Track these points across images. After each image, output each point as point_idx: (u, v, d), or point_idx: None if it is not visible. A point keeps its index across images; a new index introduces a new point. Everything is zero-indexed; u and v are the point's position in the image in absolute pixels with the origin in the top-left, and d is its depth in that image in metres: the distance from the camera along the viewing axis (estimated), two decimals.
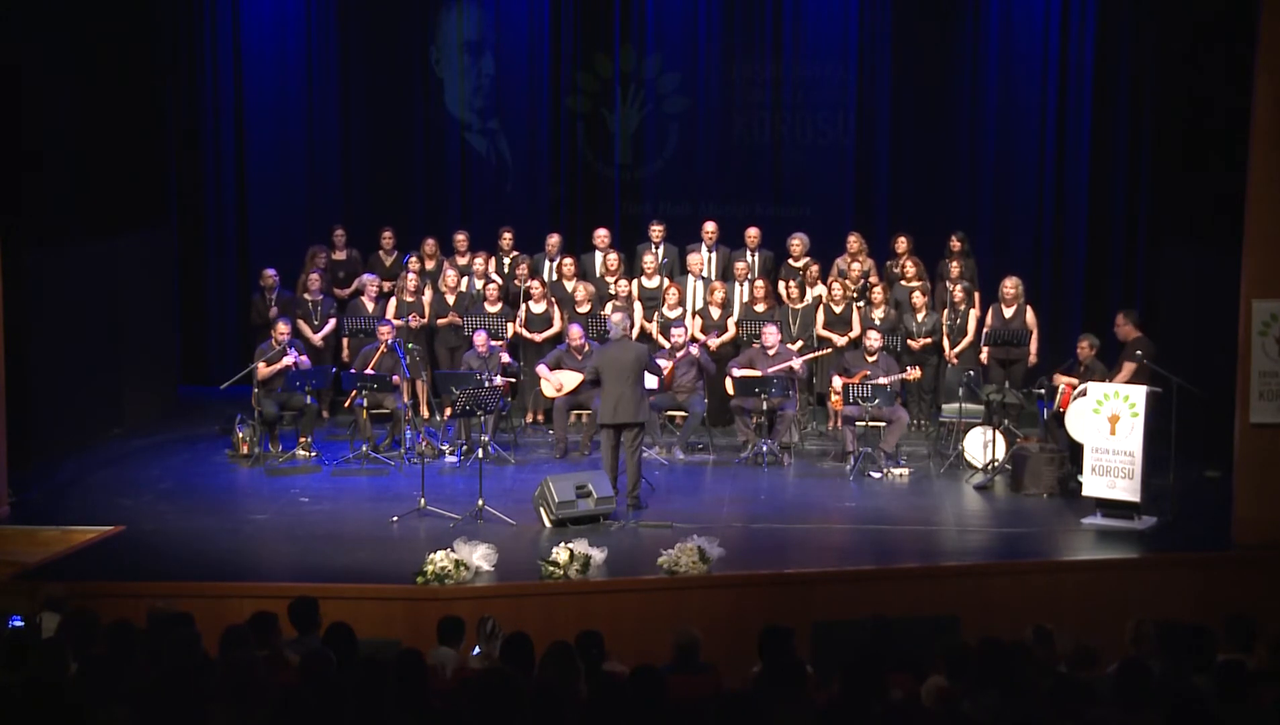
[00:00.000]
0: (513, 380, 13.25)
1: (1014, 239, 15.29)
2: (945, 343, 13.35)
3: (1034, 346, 13.09)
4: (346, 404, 12.73)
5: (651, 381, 12.17)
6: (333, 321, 14.01)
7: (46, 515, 11.00)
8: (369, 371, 12.63)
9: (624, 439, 11.13)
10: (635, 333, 13.34)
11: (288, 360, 12.67)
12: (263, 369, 12.70)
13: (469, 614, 8.62)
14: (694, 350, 12.69)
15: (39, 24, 12.58)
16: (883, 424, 12.52)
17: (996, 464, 12.00)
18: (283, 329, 12.81)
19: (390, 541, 10.44)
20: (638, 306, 13.75)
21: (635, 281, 13.99)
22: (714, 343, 13.17)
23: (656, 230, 14.51)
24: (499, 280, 13.97)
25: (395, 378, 12.53)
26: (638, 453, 11.21)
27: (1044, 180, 15.23)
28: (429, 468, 11.53)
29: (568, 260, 14.18)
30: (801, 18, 15.49)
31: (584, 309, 13.67)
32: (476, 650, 7.59)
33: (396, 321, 13.67)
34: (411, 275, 13.87)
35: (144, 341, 14.53)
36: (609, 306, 13.30)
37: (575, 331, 12.91)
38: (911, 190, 15.51)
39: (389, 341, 12.79)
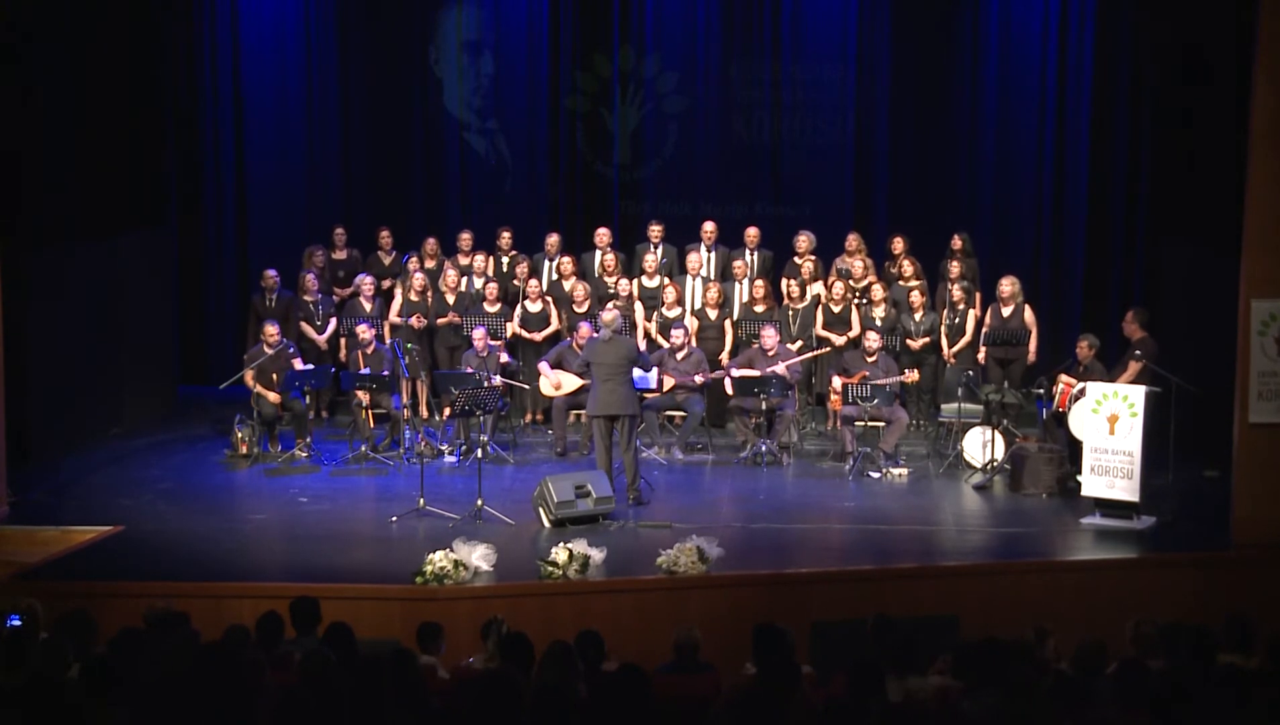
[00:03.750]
0: (512, 382, 13.24)
1: (1014, 239, 15.31)
2: (944, 342, 13.36)
3: (1033, 345, 13.10)
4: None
5: (648, 379, 12.20)
6: (334, 321, 14.03)
7: (46, 515, 10.99)
8: (366, 371, 12.68)
9: (618, 434, 11.16)
10: (640, 336, 13.38)
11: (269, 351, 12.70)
12: (259, 388, 12.68)
13: (469, 614, 8.66)
14: (699, 379, 12.73)
15: (39, 25, 12.58)
16: (882, 424, 12.52)
17: (995, 464, 12.01)
18: (271, 331, 12.82)
19: (389, 541, 10.43)
20: (638, 306, 13.76)
21: (635, 281, 14.00)
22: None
23: (655, 230, 14.51)
24: (496, 281, 14.00)
25: (384, 373, 12.58)
26: (633, 448, 11.24)
27: (1043, 180, 15.25)
28: (428, 468, 11.54)
29: (566, 259, 14.18)
30: (801, 18, 15.51)
31: (582, 308, 13.68)
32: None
33: (398, 320, 13.71)
34: (418, 275, 13.89)
35: (144, 341, 14.53)
36: (609, 305, 13.31)
37: (585, 328, 12.86)
38: (911, 190, 15.53)
39: (374, 344, 12.89)
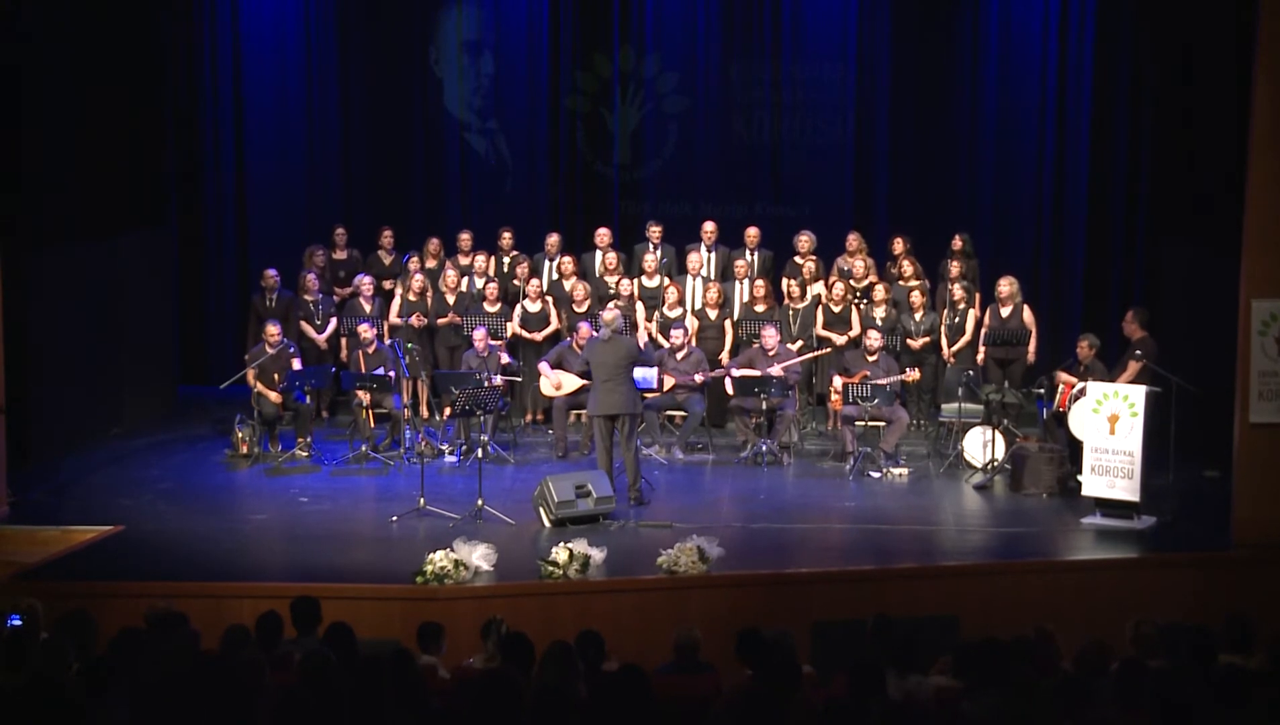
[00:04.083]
0: (514, 379, 13.26)
1: (1014, 239, 15.32)
2: (944, 342, 13.36)
3: (1033, 345, 13.09)
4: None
5: (649, 379, 12.20)
6: (334, 321, 14.03)
7: (46, 515, 11.00)
8: (379, 371, 12.70)
9: (618, 434, 11.17)
10: (641, 336, 13.38)
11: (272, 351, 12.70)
12: (260, 387, 12.68)
13: (469, 614, 8.65)
14: (699, 378, 12.74)
15: (39, 25, 12.58)
16: (882, 424, 12.52)
17: (996, 464, 12.00)
18: (273, 331, 12.82)
19: (390, 541, 10.43)
20: (638, 306, 13.75)
21: (635, 281, 14.00)
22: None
23: (655, 231, 14.51)
24: (495, 280, 14.00)
25: (388, 373, 12.56)
26: (634, 448, 11.24)
27: (1044, 180, 15.25)
28: (428, 468, 11.54)
29: (566, 259, 14.18)
30: (801, 18, 15.51)
31: (582, 308, 13.68)
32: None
33: (398, 321, 13.72)
34: (418, 276, 13.89)
35: (144, 341, 14.53)
36: (609, 305, 13.31)
37: (585, 329, 12.86)
38: (911, 190, 15.53)
39: (375, 343, 12.89)
